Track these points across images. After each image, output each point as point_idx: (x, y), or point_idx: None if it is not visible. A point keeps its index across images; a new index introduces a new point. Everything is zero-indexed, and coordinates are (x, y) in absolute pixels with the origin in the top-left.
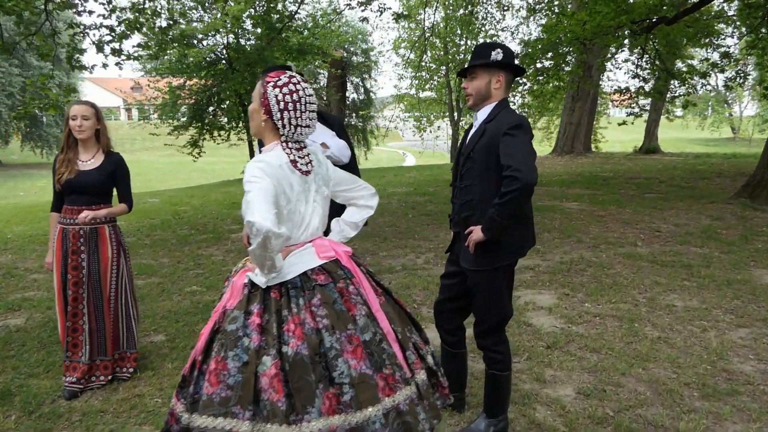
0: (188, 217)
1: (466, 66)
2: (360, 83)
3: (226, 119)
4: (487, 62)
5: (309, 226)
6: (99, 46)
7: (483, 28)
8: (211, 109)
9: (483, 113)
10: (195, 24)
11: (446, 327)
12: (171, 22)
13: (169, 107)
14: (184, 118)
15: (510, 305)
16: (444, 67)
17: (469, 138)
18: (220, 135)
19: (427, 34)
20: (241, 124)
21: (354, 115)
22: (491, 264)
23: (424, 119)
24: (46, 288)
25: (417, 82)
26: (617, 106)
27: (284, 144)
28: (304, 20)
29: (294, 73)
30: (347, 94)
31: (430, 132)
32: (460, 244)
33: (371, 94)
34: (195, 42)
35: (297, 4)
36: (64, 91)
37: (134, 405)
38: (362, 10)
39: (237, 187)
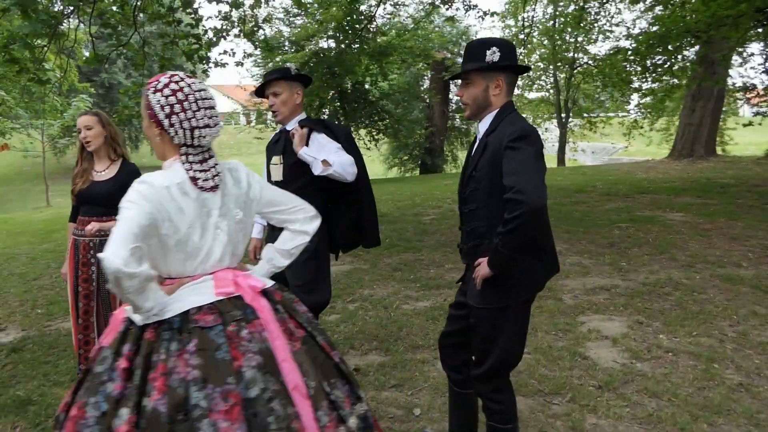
0: None
1: (459, 71)
2: None
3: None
4: (482, 65)
5: (209, 257)
6: (188, 55)
7: (596, 24)
8: (312, 114)
9: (484, 124)
10: (297, 30)
11: (450, 362)
12: (255, 28)
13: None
14: None
15: (520, 348)
16: (552, 66)
17: (472, 154)
18: None
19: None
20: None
21: (457, 116)
22: (500, 302)
23: (530, 121)
24: None
25: (521, 81)
26: (753, 105)
27: (184, 157)
28: (387, 21)
29: (176, 72)
30: (450, 96)
31: None
32: (470, 274)
33: None
34: (286, 47)
35: (378, 6)
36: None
37: None
38: (446, 8)
39: None
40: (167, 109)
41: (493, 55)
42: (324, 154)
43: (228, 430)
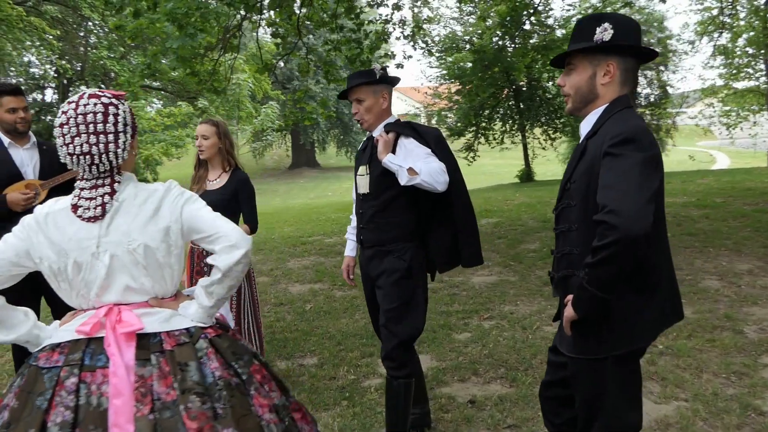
0: None
1: (563, 53)
2: (654, 77)
3: (500, 122)
4: (590, 45)
5: (89, 290)
6: (351, 60)
7: None
8: (486, 112)
9: (587, 123)
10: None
11: (553, 420)
12: (416, 29)
13: (442, 113)
14: (458, 123)
15: (633, 414)
16: (762, 51)
17: (570, 162)
18: (494, 138)
19: (729, 12)
20: (515, 127)
21: (648, 112)
22: (595, 352)
23: (735, 113)
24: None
25: (722, 69)
26: None
27: (78, 183)
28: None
29: (85, 91)
30: (639, 90)
31: (741, 129)
32: (562, 311)
33: (668, 88)
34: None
35: None
36: (318, 104)
37: None
38: None
39: (513, 190)
40: (57, 135)
41: (603, 33)
42: (411, 161)
43: None
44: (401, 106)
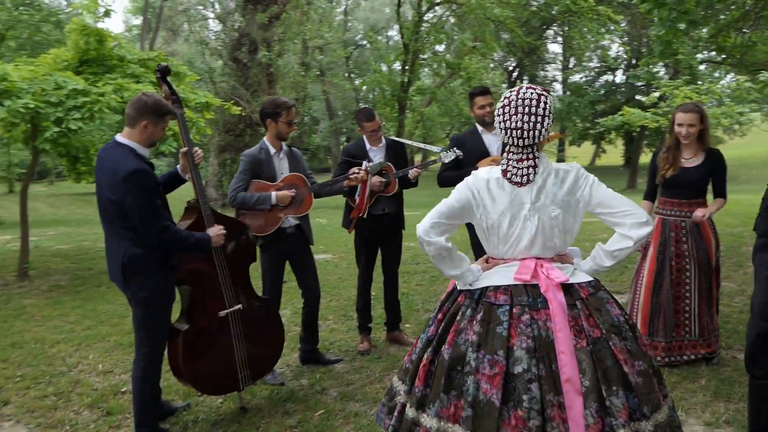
0: None
1: None
2: None
3: None
4: None
5: (518, 244)
6: None
7: None
8: None
9: None
10: None
11: None
12: None
13: None
14: None
15: None
16: None
17: None
18: None
19: None
20: None
21: None
22: None
23: None
24: None
25: None
26: None
27: (505, 155)
28: None
29: (523, 84)
30: None
31: None
32: None
33: None
34: None
35: None
36: None
37: None
38: None
39: None
40: (498, 112)
41: None
42: None
43: (487, 391)
44: None
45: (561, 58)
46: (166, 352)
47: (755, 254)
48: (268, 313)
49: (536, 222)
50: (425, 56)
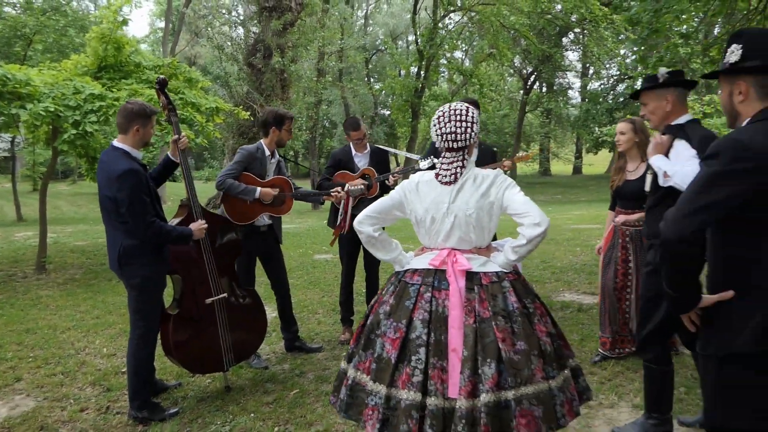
0: None
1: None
2: None
3: None
4: (727, 68)
5: (437, 236)
6: None
7: None
8: None
9: None
10: None
11: None
12: None
13: None
14: None
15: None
16: None
17: None
18: None
19: None
20: None
21: None
22: (716, 349)
23: None
24: None
25: None
26: None
27: (440, 159)
28: None
29: (454, 101)
30: None
31: None
32: None
33: None
34: None
35: None
36: None
37: None
38: None
39: None
40: (434, 121)
41: (731, 55)
42: (680, 164)
43: (389, 351)
44: None
45: (579, 65)
46: (159, 336)
47: (644, 278)
48: (251, 302)
49: (452, 219)
50: (440, 62)
